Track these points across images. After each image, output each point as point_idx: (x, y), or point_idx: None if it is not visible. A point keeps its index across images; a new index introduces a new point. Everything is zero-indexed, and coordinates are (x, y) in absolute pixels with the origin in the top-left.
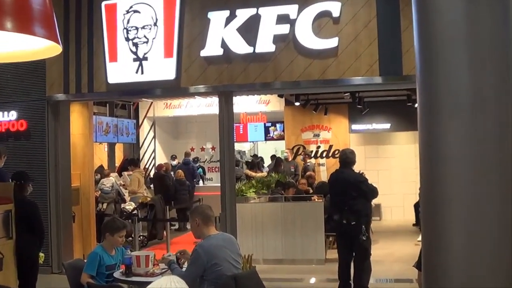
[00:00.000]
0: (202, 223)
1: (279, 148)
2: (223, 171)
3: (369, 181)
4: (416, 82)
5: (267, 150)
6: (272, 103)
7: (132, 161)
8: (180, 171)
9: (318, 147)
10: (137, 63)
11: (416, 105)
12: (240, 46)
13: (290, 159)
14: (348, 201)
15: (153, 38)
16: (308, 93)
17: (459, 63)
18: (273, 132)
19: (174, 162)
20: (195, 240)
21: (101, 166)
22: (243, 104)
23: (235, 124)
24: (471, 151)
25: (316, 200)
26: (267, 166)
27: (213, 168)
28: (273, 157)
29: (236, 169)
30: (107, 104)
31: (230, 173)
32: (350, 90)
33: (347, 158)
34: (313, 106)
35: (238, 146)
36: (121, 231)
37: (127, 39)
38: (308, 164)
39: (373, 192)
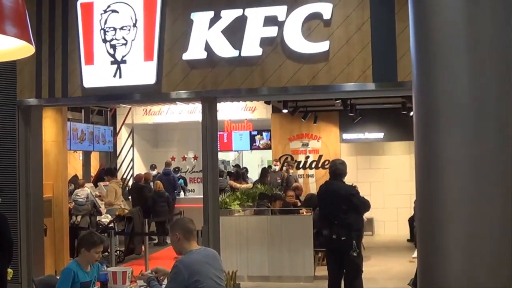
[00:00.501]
0: (183, 237)
1: (265, 158)
2: (206, 182)
3: (361, 194)
4: (412, 89)
5: (253, 160)
6: (258, 110)
7: (108, 171)
8: (158, 182)
9: (307, 157)
10: (115, 66)
11: (412, 113)
12: (225, 49)
13: (290, 172)
14: (339, 215)
15: (132, 40)
16: (297, 99)
17: (458, 66)
18: (259, 141)
19: (154, 172)
20: (176, 256)
21: (75, 176)
22: (227, 111)
23: (219, 132)
24: (471, 161)
25: (305, 213)
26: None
27: (195, 179)
28: (264, 170)
29: (219, 180)
30: (83, 110)
31: (213, 184)
32: (341, 97)
33: (337, 169)
34: (302, 113)
35: (222, 156)
36: (98, 246)
37: (105, 40)
38: (291, 174)
39: (365, 205)
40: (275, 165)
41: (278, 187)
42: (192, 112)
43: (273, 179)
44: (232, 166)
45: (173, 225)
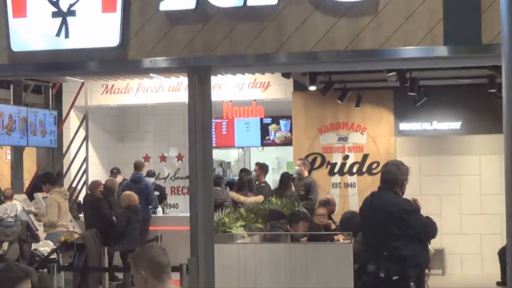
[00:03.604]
0: (152, 276)
1: (283, 158)
2: (195, 193)
3: (424, 212)
4: (502, 56)
5: (266, 161)
6: (273, 88)
7: (47, 176)
8: (128, 193)
9: (346, 157)
10: (59, 20)
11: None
12: None
13: (305, 175)
14: (388, 243)
15: None
16: (331, 71)
17: None
18: (275, 132)
19: (117, 179)
20: None
21: None
22: (227, 88)
23: (214, 120)
24: None
25: (341, 240)
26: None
27: (179, 189)
28: (285, 176)
29: (216, 190)
30: (11, 86)
31: (205, 197)
32: (396, 68)
33: (389, 174)
34: (338, 92)
35: (219, 155)
36: (21, 283)
37: None
38: (307, 180)
39: (429, 229)
40: (298, 166)
41: (299, 202)
42: (175, 90)
43: (298, 190)
44: (246, 170)
45: (135, 258)
